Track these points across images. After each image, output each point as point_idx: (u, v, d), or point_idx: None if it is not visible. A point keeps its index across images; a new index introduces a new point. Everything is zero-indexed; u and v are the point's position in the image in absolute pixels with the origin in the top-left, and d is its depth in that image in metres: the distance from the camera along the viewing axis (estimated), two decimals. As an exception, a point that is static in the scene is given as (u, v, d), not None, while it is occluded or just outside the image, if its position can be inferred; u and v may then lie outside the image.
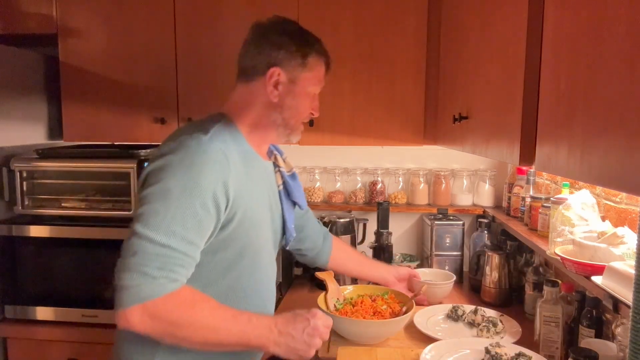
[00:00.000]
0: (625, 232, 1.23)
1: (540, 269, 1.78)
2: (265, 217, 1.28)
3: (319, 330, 1.13)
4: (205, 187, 1.06)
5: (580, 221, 1.39)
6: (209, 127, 1.16)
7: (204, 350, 1.11)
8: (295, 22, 1.30)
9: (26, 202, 2.07)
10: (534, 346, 1.44)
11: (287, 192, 1.38)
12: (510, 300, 1.92)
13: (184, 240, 1.04)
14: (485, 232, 2.18)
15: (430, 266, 2.23)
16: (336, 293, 1.68)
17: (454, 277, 1.90)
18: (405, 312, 1.58)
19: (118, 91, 2.19)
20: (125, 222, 1.98)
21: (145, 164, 1.16)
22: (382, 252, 2.17)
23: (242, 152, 1.20)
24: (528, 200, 1.86)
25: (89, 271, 2.01)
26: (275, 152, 1.39)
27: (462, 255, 2.22)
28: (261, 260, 1.28)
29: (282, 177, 1.37)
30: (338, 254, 1.73)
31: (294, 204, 1.43)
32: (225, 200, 1.11)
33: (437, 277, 1.94)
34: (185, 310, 1.04)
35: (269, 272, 1.34)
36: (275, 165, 1.37)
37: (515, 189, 2.06)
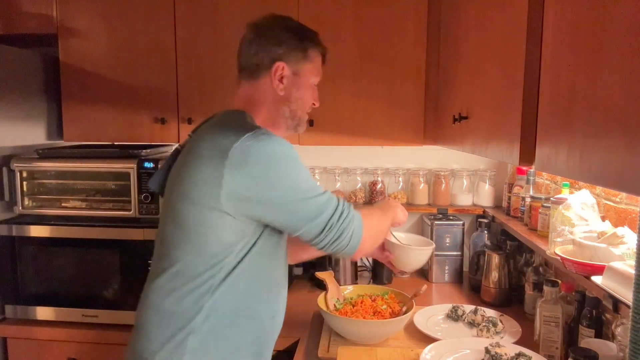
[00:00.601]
0: (625, 232, 1.23)
1: (540, 269, 1.78)
2: None
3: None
4: (298, 161, 1.21)
5: (580, 221, 1.39)
6: (253, 124, 1.24)
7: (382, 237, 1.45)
8: (291, 18, 1.35)
9: (26, 202, 2.07)
10: (534, 346, 1.44)
11: None
12: (510, 300, 1.93)
13: (321, 189, 1.23)
14: (485, 232, 2.19)
15: (429, 266, 2.23)
16: (336, 293, 1.68)
17: (433, 245, 1.63)
18: (405, 312, 1.58)
19: (118, 91, 2.19)
20: (126, 222, 2.02)
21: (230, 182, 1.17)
22: (382, 252, 2.17)
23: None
24: (528, 200, 1.86)
25: (89, 271, 2.01)
26: None
27: (462, 255, 2.23)
28: (283, 244, 1.34)
29: None
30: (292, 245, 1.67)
31: None
32: None
33: (415, 243, 1.68)
34: (371, 218, 1.32)
35: (285, 256, 1.39)
36: None
37: (515, 189, 2.06)
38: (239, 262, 1.20)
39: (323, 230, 1.19)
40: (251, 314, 1.24)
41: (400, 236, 1.60)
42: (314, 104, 1.37)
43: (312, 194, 1.19)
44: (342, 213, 1.21)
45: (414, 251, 1.55)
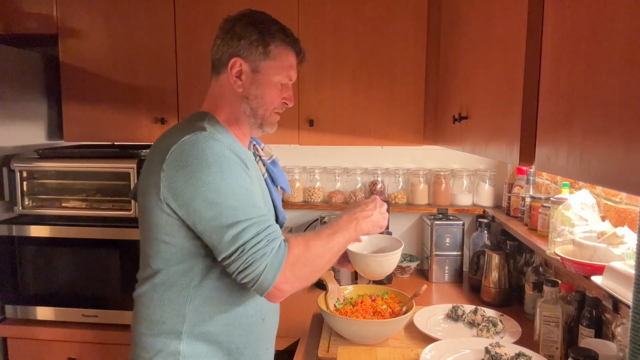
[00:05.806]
0: (625, 232, 1.23)
1: (540, 269, 1.78)
2: (262, 204, 1.30)
3: (382, 203, 1.34)
4: (234, 169, 1.13)
5: (580, 221, 1.39)
6: (203, 125, 1.17)
7: (326, 266, 1.24)
8: (263, 13, 1.28)
9: (26, 202, 2.07)
10: (534, 346, 1.44)
11: (271, 178, 1.41)
12: (510, 300, 1.93)
13: (255, 207, 1.13)
14: (485, 232, 2.19)
15: (429, 267, 2.23)
16: (336, 293, 1.68)
17: (401, 247, 1.44)
18: (405, 312, 1.58)
19: (118, 91, 2.19)
20: (125, 222, 2.02)
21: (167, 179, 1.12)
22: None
23: (233, 145, 1.20)
24: (528, 200, 1.86)
25: (89, 271, 2.01)
26: (254, 142, 1.40)
27: (462, 255, 2.23)
28: None
29: (264, 164, 1.40)
30: None
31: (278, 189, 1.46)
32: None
33: (384, 244, 1.49)
34: (306, 252, 1.15)
35: None
36: (256, 155, 1.39)
37: (515, 189, 2.07)
38: (209, 270, 1.17)
39: (234, 253, 1.08)
40: (237, 320, 1.22)
41: (365, 239, 1.42)
42: (286, 103, 1.30)
43: (232, 207, 1.09)
44: (259, 241, 1.08)
45: (375, 259, 1.40)
